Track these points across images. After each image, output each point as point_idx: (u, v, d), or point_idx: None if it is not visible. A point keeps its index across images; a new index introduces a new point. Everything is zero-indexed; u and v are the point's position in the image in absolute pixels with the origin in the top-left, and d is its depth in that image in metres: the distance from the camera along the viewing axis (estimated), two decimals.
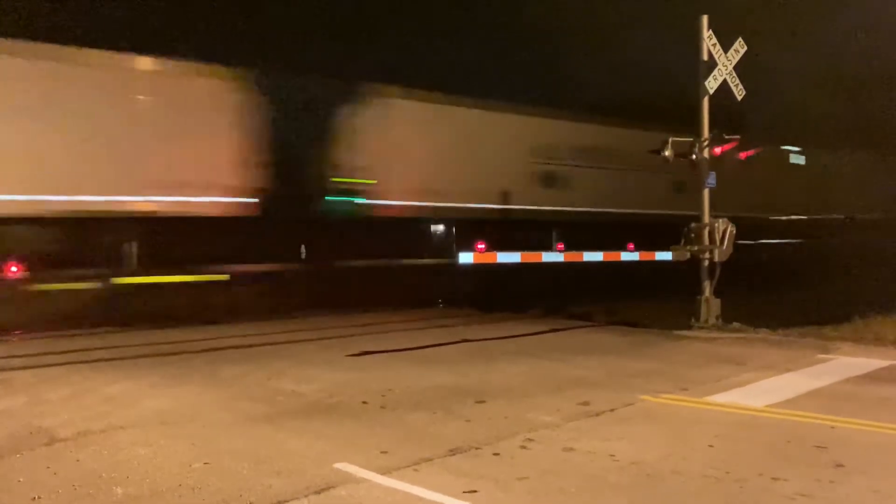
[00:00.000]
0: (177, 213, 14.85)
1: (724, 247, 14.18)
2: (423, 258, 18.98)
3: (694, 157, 14.51)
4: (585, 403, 7.84)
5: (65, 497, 5.21)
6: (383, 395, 8.32)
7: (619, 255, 19.75)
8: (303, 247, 17.43)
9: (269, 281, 16.54)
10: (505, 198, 19.84)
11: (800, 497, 5.09)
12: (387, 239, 18.06)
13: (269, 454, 6.09)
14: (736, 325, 13.60)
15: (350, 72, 19.72)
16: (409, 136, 17.97)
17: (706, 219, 14.44)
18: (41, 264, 13.80)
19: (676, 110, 17.10)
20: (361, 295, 17.33)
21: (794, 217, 27.65)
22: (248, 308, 15.87)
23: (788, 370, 9.77)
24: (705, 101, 14.50)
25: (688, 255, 14.47)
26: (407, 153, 17.92)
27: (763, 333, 13.00)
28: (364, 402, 8.02)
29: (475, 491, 5.23)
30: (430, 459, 5.92)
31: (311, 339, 12.98)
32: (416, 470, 5.69)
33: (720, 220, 14.32)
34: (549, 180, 20.80)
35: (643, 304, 16.75)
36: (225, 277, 15.88)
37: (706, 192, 14.54)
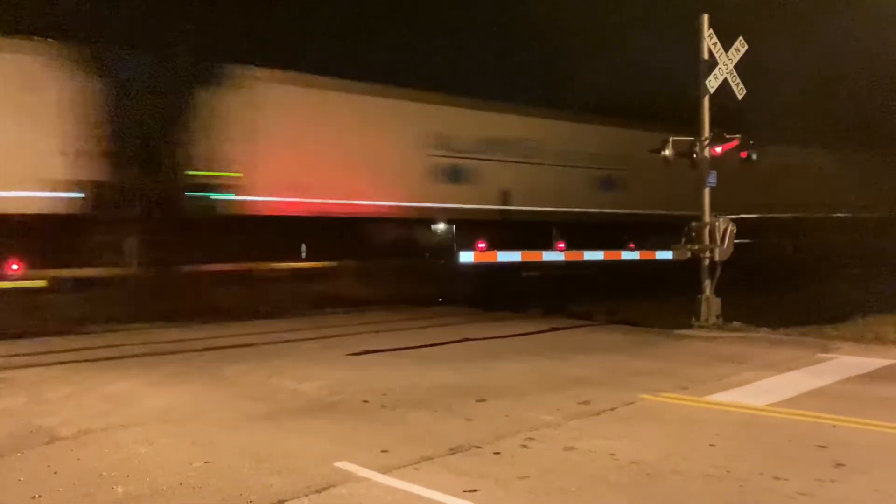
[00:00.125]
0: None
1: (725, 246, 14.20)
2: (301, 262, 17.08)
3: (694, 156, 14.51)
4: (586, 402, 7.84)
5: (65, 496, 5.21)
6: (384, 394, 8.32)
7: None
8: (303, 246, 17.00)
9: (95, 288, 14.65)
10: (400, 194, 18.07)
11: (800, 496, 5.09)
12: (255, 240, 15.93)
13: (270, 453, 6.09)
14: (736, 324, 13.59)
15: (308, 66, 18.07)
16: (281, 126, 16.17)
17: (707, 218, 14.45)
18: None
19: (675, 110, 17.10)
20: (213, 303, 15.32)
21: (787, 215, 27.58)
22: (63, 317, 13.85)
23: (789, 369, 9.77)
24: (706, 101, 14.50)
25: (688, 254, 14.49)
26: (279, 144, 16.10)
27: (763, 332, 12.99)
28: (365, 401, 8.02)
29: (476, 490, 5.23)
30: (430, 458, 5.92)
31: (312, 338, 12.98)
32: (416, 469, 5.68)
33: (721, 220, 14.33)
34: (453, 175, 18.96)
35: (643, 304, 16.73)
36: (42, 284, 14.05)
37: (707, 192, 14.54)
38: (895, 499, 5.20)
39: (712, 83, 14.34)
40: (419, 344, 12.18)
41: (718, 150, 14.38)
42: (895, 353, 10.86)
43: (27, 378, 9.43)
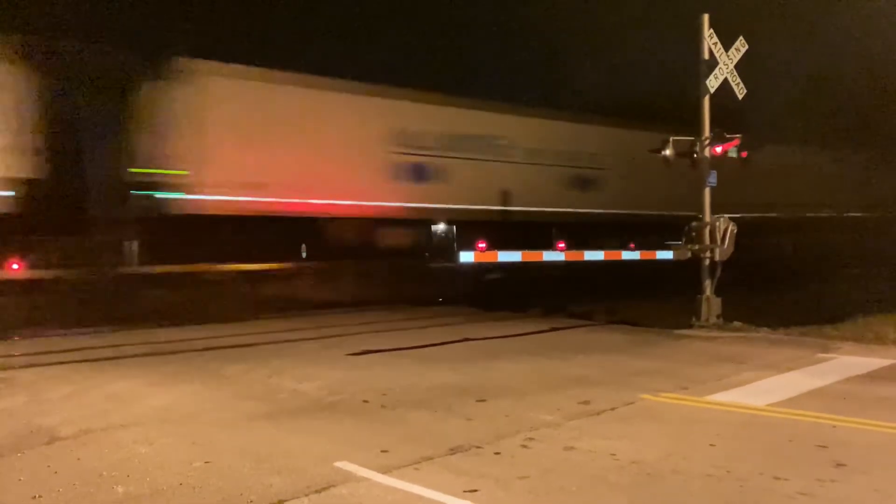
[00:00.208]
0: None
1: (725, 246, 14.20)
2: (256, 263, 16.25)
3: (695, 155, 14.51)
4: (586, 402, 7.84)
5: (65, 496, 5.21)
6: (384, 394, 8.32)
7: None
8: (303, 245, 16.85)
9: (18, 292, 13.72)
10: (359, 193, 17.37)
11: (801, 496, 5.09)
12: (204, 241, 15.28)
13: (270, 453, 6.09)
14: (737, 324, 13.59)
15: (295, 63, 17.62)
16: (231, 122, 15.51)
17: (707, 218, 14.45)
18: None
19: (675, 110, 17.09)
20: (151, 308, 14.60)
21: (783, 216, 27.55)
22: None
23: (789, 369, 9.77)
24: (706, 100, 14.49)
25: (689, 254, 14.49)
26: (229, 141, 15.42)
27: (764, 332, 12.99)
28: (365, 401, 8.02)
29: (476, 490, 5.23)
30: (430, 458, 5.92)
31: (312, 338, 12.99)
32: (416, 469, 5.68)
33: (721, 219, 14.33)
34: (416, 173, 18.26)
35: (643, 304, 16.74)
36: None
37: (707, 191, 14.54)
38: (895, 499, 5.20)
39: (712, 83, 14.34)
40: (419, 344, 12.18)
41: (719, 149, 14.39)
42: (895, 353, 10.86)
43: (27, 378, 9.43)
